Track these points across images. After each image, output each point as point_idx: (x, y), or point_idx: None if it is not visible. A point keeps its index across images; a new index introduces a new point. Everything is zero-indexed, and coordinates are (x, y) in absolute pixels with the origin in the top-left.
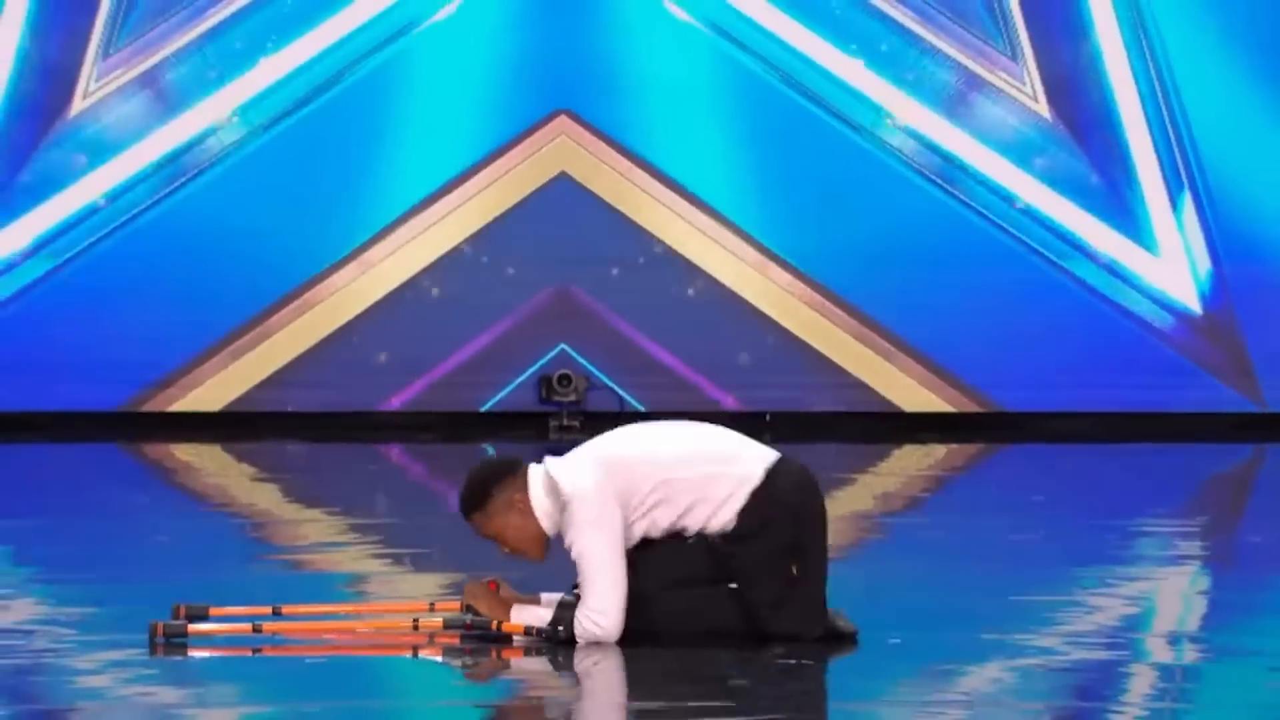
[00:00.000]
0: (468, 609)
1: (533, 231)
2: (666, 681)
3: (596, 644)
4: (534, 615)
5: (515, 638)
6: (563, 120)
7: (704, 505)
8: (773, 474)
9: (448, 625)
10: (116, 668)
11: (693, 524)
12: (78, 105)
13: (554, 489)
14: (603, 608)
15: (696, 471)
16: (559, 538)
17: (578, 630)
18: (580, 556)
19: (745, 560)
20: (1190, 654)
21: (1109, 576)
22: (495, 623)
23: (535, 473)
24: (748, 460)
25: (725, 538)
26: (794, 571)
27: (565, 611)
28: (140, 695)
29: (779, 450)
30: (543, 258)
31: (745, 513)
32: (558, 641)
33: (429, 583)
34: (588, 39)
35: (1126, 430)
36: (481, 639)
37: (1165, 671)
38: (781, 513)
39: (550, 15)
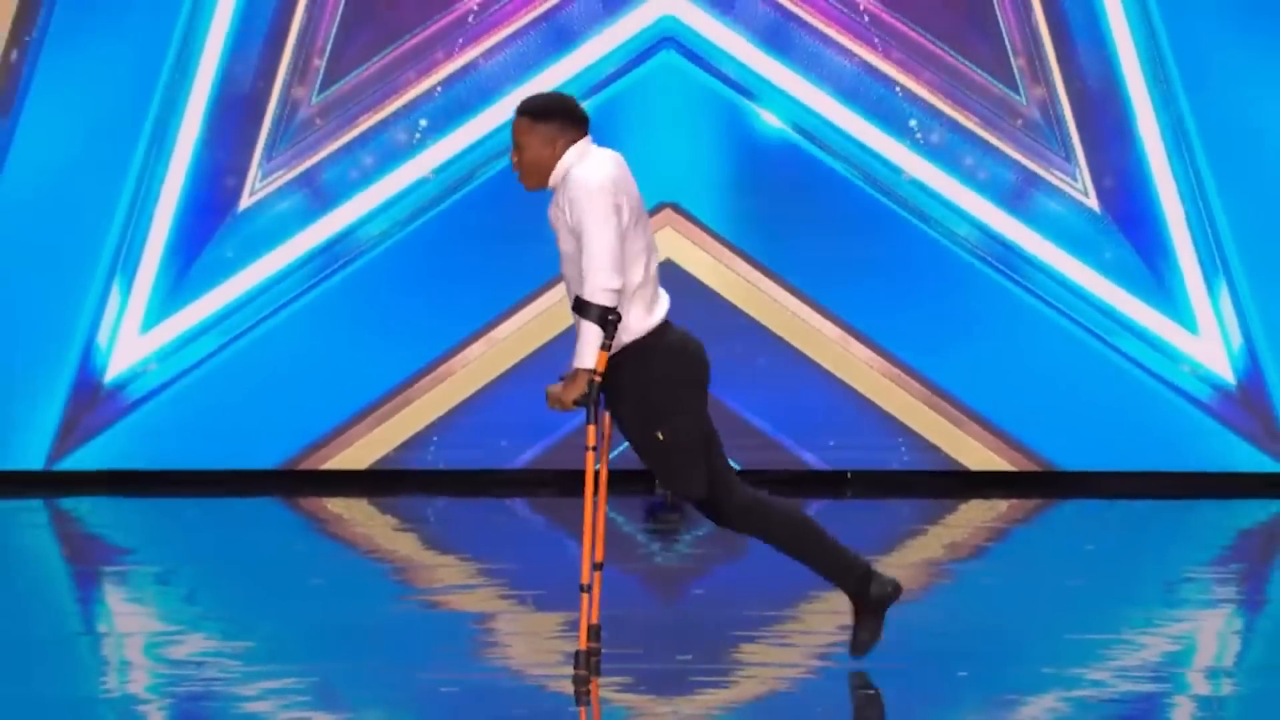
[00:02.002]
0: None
1: None
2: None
3: (611, 295)
4: (582, 349)
5: (594, 382)
6: (668, 213)
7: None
8: (659, 331)
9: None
10: (275, 695)
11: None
12: (244, 202)
13: (576, 167)
14: (594, 266)
15: (646, 287)
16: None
17: (593, 300)
18: (583, 233)
19: (625, 424)
20: (1227, 687)
21: (1154, 617)
22: (579, 391)
23: (580, 147)
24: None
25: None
26: (660, 438)
27: (583, 307)
28: (298, 719)
29: (852, 499)
30: None
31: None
32: (603, 323)
33: (550, 621)
34: (691, 140)
35: (1170, 488)
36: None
37: (1204, 703)
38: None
39: (657, 117)
